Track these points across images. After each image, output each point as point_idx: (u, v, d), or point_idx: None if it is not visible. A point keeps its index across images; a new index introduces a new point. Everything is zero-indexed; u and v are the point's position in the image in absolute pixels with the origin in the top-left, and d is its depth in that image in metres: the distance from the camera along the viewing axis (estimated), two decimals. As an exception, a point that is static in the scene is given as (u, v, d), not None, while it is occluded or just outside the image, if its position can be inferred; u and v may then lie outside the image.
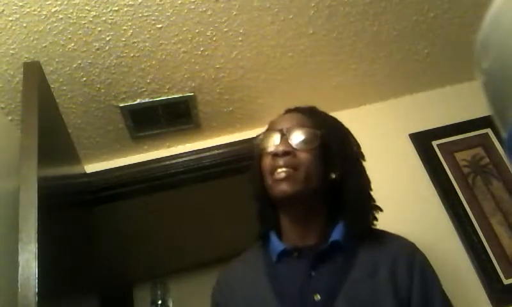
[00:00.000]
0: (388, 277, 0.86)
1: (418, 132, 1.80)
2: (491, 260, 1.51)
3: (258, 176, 0.98)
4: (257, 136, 1.01)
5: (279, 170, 0.90)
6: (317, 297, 0.85)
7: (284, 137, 0.94)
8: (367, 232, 0.95)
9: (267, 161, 0.95)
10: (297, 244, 0.94)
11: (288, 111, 1.05)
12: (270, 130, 0.99)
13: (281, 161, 0.91)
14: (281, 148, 0.92)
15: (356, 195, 0.95)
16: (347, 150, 0.98)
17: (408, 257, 0.92)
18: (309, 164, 0.92)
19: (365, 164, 1.74)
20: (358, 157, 1.01)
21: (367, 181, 1.00)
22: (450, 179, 1.68)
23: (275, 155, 0.92)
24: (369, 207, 0.98)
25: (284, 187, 0.90)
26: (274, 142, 0.95)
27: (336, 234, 0.91)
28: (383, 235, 0.98)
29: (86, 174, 1.72)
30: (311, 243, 0.93)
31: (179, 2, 1.31)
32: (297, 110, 1.04)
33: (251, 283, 0.95)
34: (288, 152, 0.91)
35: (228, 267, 1.07)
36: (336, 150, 0.95)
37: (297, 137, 0.93)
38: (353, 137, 1.03)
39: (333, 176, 0.94)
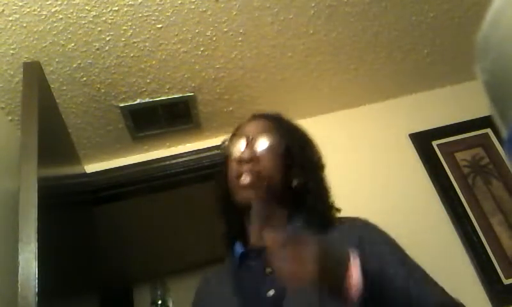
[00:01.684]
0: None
1: (418, 132, 1.80)
2: (491, 260, 1.52)
3: (223, 180, 1.01)
4: (224, 141, 1.04)
5: (243, 176, 0.93)
6: (270, 293, 0.86)
7: (249, 143, 0.97)
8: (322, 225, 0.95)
9: (232, 166, 0.97)
10: (257, 244, 0.92)
11: (255, 117, 1.07)
12: (236, 135, 1.02)
13: (245, 167, 0.94)
14: (246, 154, 0.95)
15: (315, 202, 0.96)
16: (309, 159, 1.01)
17: (355, 237, 0.90)
18: (272, 171, 0.95)
19: (365, 164, 1.76)
20: (319, 165, 1.03)
21: (326, 190, 1.01)
22: (450, 179, 1.69)
23: (240, 160, 0.95)
24: (327, 213, 0.98)
25: (247, 194, 0.92)
26: (239, 148, 0.97)
27: (289, 230, 0.91)
28: (337, 222, 0.97)
29: (86, 174, 1.72)
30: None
31: (179, 2, 1.31)
32: (263, 116, 1.05)
33: (218, 293, 0.97)
34: (253, 158, 0.94)
35: (203, 279, 1.09)
36: (298, 158, 0.98)
37: (261, 144, 0.96)
38: (316, 146, 1.06)
39: (295, 183, 0.97)
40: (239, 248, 0.98)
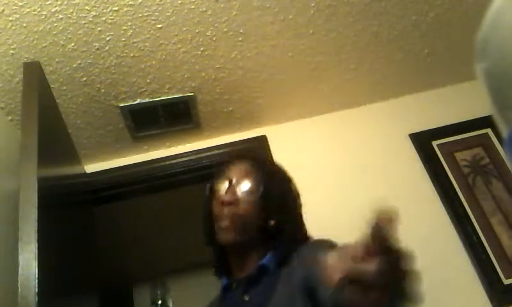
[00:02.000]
0: (297, 283, 0.93)
1: (418, 132, 1.80)
2: (491, 260, 1.51)
3: (208, 217, 1.10)
4: (210, 180, 1.15)
5: (222, 220, 1.03)
6: None
7: (231, 186, 1.07)
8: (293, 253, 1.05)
9: (215, 206, 1.07)
10: (238, 276, 1.06)
11: (239, 159, 1.17)
12: (221, 176, 1.11)
13: (225, 210, 1.04)
14: (227, 198, 1.05)
15: (288, 240, 1.04)
16: (285, 201, 1.09)
17: (299, 252, 1.00)
18: (249, 214, 1.04)
19: (365, 164, 1.75)
20: (295, 206, 1.11)
21: (300, 228, 1.10)
22: (450, 179, 1.68)
23: (222, 202, 1.05)
24: (297, 249, 1.04)
25: (226, 236, 1.03)
26: (222, 189, 1.07)
27: (264, 261, 1.03)
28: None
29: (86, 174, 1.72)
30: (247, 273, 1.04)
31: (179, 2, 1.31)
32: (246, 159, 1.15)
33: None
34: (233, 202, 1.04)
35: None
36: (275, 201, 1.06)
37: (242, 188, 1.06)
38: (294, 187, 1.14)
39: (271, 223, 1.05)
40: (224, 280, 1.09)
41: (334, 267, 0.50)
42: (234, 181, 1.08)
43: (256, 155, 1.23)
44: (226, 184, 1.08)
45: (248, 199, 1.05)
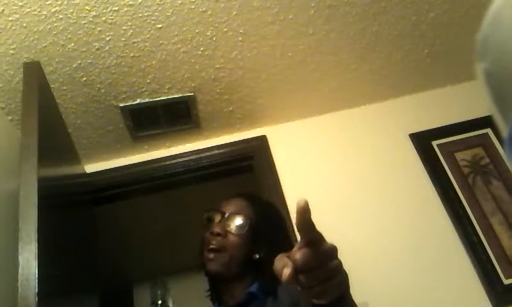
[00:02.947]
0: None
1: (418, 132, 1.80)
2: (491, 260, 1.51)
3: (201, 246, 1.17)
4: (207, 211, 1.22)
5: (209, 250, 1.11)
6: None
7: (223, 219, 1.15)
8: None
9: (206, 236, 1.15)
10: (229, 303, 1.13)
11: (236, 196, 1.25)
12: (216, 209, 1.19)
13: (213, 240, 1.11)
14: (216, 229, 1.13)
15: (272, 273, 1.07)
16: (273, 237, 1.16)
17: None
18: (235, 247, 1.12)
19: (365, 164, 1.76)
20: (282, 242, 1.16)
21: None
22: (450, 179, 1.68)
23: (211, 233, 1.13)
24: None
25: (211, 266, 1.10)
26: (214, 221, 1.16)
27: (252, 288, 1.10)
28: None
29: (86, 174, 1.72)
30: (237, 301, 1.11)
31: (179, 2, 1.31)
32: (243, 196, 1.23)
33: None
34: (221, 234, 1.12)
35: None
36: (263, 237, 1.14)
37: (232, 223, 1.14)
38: (284, 224, 1.25)
39: (257, 256, 1.13)
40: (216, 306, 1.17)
41: (276, 267, 0.57)
42: (227, 214, 1.16)
43: (253, 193, 1.32)
44: (219, 216, 1.17)
45: (236, 233, 1.13)
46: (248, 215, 1.17)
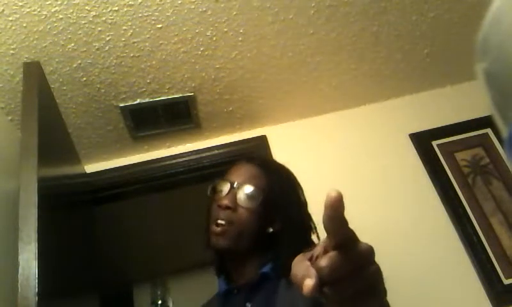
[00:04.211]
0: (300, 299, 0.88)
1: (418, 132, 1.80)
2: (491, 260, 1.51)
3: (207, 219, 1.06)
4: (214, 180, 1.09)
5: (217, 225, 0.99)
6: None
7: (232, 190, 1.03)
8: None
9: (213, 209, 1.04)
10: (238, 281, 1.04)
11: (245, 162, 1.12)
12: (224, 177, 1.07)
13: (221, 213, 1.00)
14: (224, 202, 1.01)
15: (289, 248, 0.93)
16: (289, 206, 1.04)
17: None
18: (246, 221, 1.00)
19: (365, 164, 1.76)
20: (300, 211, 1.06)
21: (303, 233, 1.04)
22: (450, 179, 1.68)
23: (219, 206, 1.01)
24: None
25: (218, 241, 0.99)
26: (222, 192, 1.04)
27: (266, 268, 1.00)
28: None
29: (86, 174, 1.72)
30: (248, 279, 1.01)
31: (179, 2, 1.31)
32: (253, 162, 1.11)
33: None
34: (231, 207, 1.00)
35: None
36: (279, 206, 1.03)
37: (242, 194, 1.02)
38: (302, 193, 1.10)
39: (271, 230, 1.02)
40: (222, 285, 1.06)
41: (296, 276, 0.44)
42: (236, 184, 1.03)
43: (264, 158, 1.19)
44: (227, 186, 1.04)
45: (247, 206, 1.01)
46: (260, 185, 1.04)
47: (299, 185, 1.12)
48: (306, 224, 1.06)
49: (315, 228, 1.06)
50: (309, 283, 0.39)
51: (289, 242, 0.98)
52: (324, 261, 0.40)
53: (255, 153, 1.19)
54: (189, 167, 1.80)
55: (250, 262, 1.02)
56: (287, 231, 1.01)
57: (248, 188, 1.02)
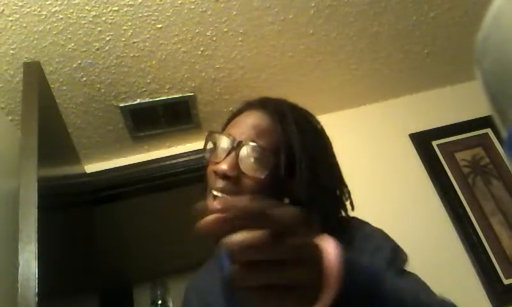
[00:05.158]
0: None
1: (418, 132, 1.80)
2: (491, 260, 1.52)
3: (204, 186, 0.80)
4: (210, 133, 0.79)
5: (214, 197, 0.72)
6: None
7: (234, 150, 0.73)
8: None
9: (209, 173, 0.77)
10: None
11: (254, 109, 0.80)
12: (224, 132, 0.79)
13: (218, 183, 0.73)
14: (222, 167, 0.72)
15: (321, 227, 0.70)
16: (319, 169, 0.77)
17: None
18: (254, 194, 0.73)
19: (365, 164, 1.76)
20: (332, 175, 0.82)
21: (338, 203, 0.81)
22: (450, 179, 1.69)
23: (215, 171, 0.74)
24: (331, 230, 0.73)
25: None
26: (219, 152, 0.75)
27: None
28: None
29: (86, 174, 1.72)
30: None
31: (179, 2, 1.31)
32: (265, 109, 0.80)
33: (207, 305, 0.85)
34: (230, 176, 0.72)
35: (192, 282, 0.97)
36: (300, 170, 0.75)
37: (247, 157, 0.73)
38: (330, 148, 0.85)
39: (287, 201, 0.76)
40: (226, 263, 0.81)
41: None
42: (237, 143, 0.74)
43: (280, 101, 0.85)
44: (226, 144, 0.75)
45: (254, 175, 0.72)
46: (273, 142, 0.75)
47: (329, 139, 0.85)
48: (341, 192, 0.83)
49: (349, 193, 0.85)
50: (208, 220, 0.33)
51: (319, 220, 0.73)
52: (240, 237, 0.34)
53: (272, 98, 0.86)
54: (189, 167, 1.80)
55: None
56: (316, 204, 0.74)
57: (256, 149, 0.73)
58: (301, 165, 0.75)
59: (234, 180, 0.72)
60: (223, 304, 0.79)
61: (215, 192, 0.72)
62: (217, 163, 0.74)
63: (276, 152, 0.74)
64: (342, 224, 0.79)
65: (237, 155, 0.73)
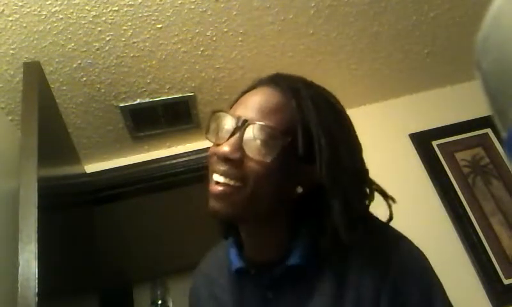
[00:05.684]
0: (351, 301, 0.64)
1: (418, 132, 1.80)
2: (491, 260, 1.52)
3: (206, 171, 0.73)
4: (214, 112, 0.72)
5: (217, 177, 0.66)
6: None
7: (238, 130, 0.66)
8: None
9: (211, 156, 0.70)
10: (255, 258, 0.73)
11: (265, 86, 0.72)
12: (229, 111, 0.71)
13: (220, 166, 0.66)
14: (224, 150, 0.65)
15: (338, 217, 0.64)
16: (340, 152, 0.67)
17: (377, 265, 0.66)
18: (261, 179, 0.64)
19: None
20: (355, 154, 0.74)
21: (361, 197, 0.73)
22: (450, 179, 1.69)
23: (215, 153, 0.68)
24: (355, 222, 0.65)
25: (215, 206, 0.65)
26: (223, 133, 0.68)
27: (295, 256, 0.67)
28: (368, 236, 0.69)
29: (86, 174, 1.72)
30: (269, 258, 0.71)
31: (179, 2, 1.31)
32: (276, 86, 0.71)
33: (217, 301, 0.80)
34: (232, 159, 0.65)
35: (199, 273, 0.93)
36: (317, 152, 0.65)
37: (253, 139, 0.64)
38: (352, 130, 0.77)
39: (300, 190, 0.67)
40: (234, 257, 0.76)
41: None
42: (243, 121, 0.66)
43: (294, 77, 0.77)
44: (230, 124, 0.67)
45: (260, 158, 0.64)
46: (284, 122, 0.66)
47: (349, 119, 0.78)
48: (364, 177, 0.76)
49: (374, 184, 0.78)
50: None
51: (339, 210, 0.64)
52: None
53: (283, 74, 0.78)
54: (189, 167, 1.80)
55: (273, 235, 0.71)
56: (334, 192, 0.65)
57: (263, 129, 0.64)
58: (320, 143, 0.65)
59: (237, 163, 0.64)
60: (230, 299, 0.76)
61: (216, 177, 0.66)
62: (218, 145, 0.68)
63: (288, 132, 0.65)
64: (366, 219, 0.72)
65: (242, 136, 0.65)
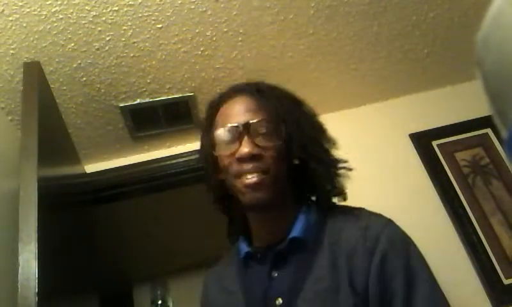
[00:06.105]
0: (345, 271, 0.76)
1: (418, 132, 1.80)
2: (491, 260, 1.51)
3: (215, 177, 0.89)
4: (207, 133, 0.89)
5: (249, 176, 0.80)
6: (279, 301, 0.79)
7: (243, 133, 0.81)
8: (333, 215, 0.86)
9: (232, 165, 0.83)
10: (262, 244, 0.88)
11: (240, 93, 0.89)
12: (224, 125, 0.85)
13: (250, 166, 0.80)
14: (246, 150, 0.80)
15: (322, 179, 0.87)
16: (306, 130, 0.87)
17: (368, 241, 0.78)
18: (277, 164, 0.82)
19: (365, 164, 1.75)
20: (317, 134, 0.91)
21: (330, 159, 0.91)
22: (450, 179, 1.68)
23: (239, 158, 0.81)
24: (333, 187, 0.90)
25: (258, 195, 0.80)
26: (230, 142, 0.83)
27: (296, 229, 0.83)
28: (352, 216, 0.87)
29: (86, 174, 1.72)
30: (273, 242, 0.85)
31: (179, 2, 1.31)
32: (250, 93, 0.88)
33: (226, 291, 0.92)
34: (255, 156, 0.80)
35: (210, 272, 1.05)
36: (298, 135, 0.85)
37: (258, 133, 0.82)
38: (309, 109, 0.95)
39: (296, 162, 0.86)
40: (243, 247, 0.90)
41: None
42: (247, 127, 0.82)
43: (257, 83, 0.95)
44: (235, 131, 0.82)
45: (270, 143, 0.82)
46: (268, 114, 0.84)
47: (309, 106, 0.95)
48: (324, 138, 0.92)
49: (342, 161, 0.94)
50: None
51: (319, 174, 0.87)
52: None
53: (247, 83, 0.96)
54: (189, 167, 1.80)
55: (281, 217, 0.86)
56: (311, 160, 0.86)
57: (261, 124, 0.83)
58: (291, 125, 0.85)
59: (259, 157, 0.80)
60: (238, 287, 0.87)
61: (249, 176, 0.80)
62: (233, 152, 0.81)
63: (279, 120, 0.84)
64: (339, 192, 0.92)
65: (250, 136, 0.81)
